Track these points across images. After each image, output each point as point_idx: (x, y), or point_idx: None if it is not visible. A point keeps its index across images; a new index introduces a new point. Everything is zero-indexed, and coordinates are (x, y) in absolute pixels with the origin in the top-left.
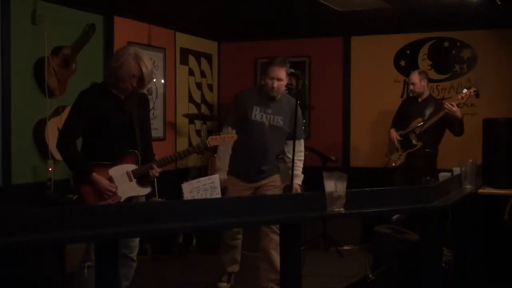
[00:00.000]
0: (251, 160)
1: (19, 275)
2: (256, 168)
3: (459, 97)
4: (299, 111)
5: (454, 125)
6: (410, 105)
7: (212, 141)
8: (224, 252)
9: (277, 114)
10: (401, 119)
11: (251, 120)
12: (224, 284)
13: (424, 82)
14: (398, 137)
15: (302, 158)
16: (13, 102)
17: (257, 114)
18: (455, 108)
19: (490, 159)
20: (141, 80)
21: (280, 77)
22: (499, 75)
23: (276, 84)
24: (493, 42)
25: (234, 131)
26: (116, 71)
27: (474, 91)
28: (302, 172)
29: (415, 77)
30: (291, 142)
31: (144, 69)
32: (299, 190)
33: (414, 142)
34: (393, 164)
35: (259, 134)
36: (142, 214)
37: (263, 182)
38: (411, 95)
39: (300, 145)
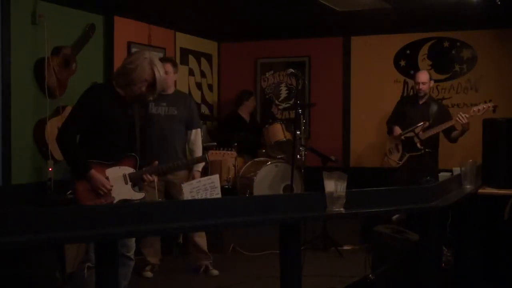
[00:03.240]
0: (154, 153)
1: (19, 275)
2: (160, 159)
3: (475, 109)
4: (194, 101)
5: (456, 134)
6: (411, 107)
7: (212, 156)
8: (145, 245)
9: (172, 106)
10: (400, 120)
11: (148, 114)
12: (149, 273)
13: (431, 84)
14: (403, 137)
15: (200, 145)
16: (13, 102)
17: (153, 108)
18: (466, 121)
19: (490, 159)
20: (153, 86)
21: (167, 70)
22: (499, 75)
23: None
24: (493, 42)
25: (233, 150)
26: (130, 73)
27: (493, 106)
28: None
29: (426, 76)
30: (190, 134)
31: (157, 75)
32: (198, 177)
33: (419, 146)
34: (392, 165)
35: (157, 126)
36: (142, 214)
37: (171, 177)
38: (421, 95)
39: (197, 133)
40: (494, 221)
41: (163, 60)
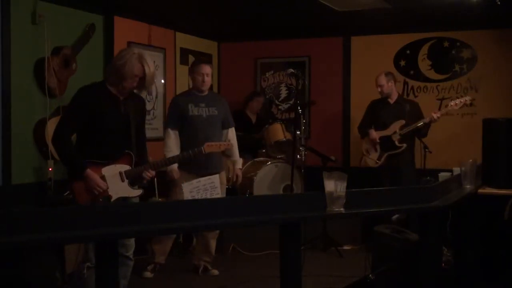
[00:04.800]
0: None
1: (19, 275)
2: (203, 159)
3: (453, 104)
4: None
5: (426, 129)
6: (383, 108)
7: (208, 147)
8: (157, 242)
9: (211, 106)
10: (374, 121)
11: (190, 116)
12: (148, 273)
13: (391, 83)
14: (377, 139)
15: (236, 143)
16: (13, 102)
17: (193, 109)
18: (436, 119)
19: (490, 159)
20: (143, 80)
21: (208, 72)
22: (499, 75)
23: (206, 79)
24: (493, 42)
25: (227, 141)
26: (119, 69)
27: (470, 100)
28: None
29: (381, 79)
30: (227, 133)
31: (146, 69)
32: (240, 174)
33: (397, 144)
34: (371, 165)
35: (200, 127)
36: (142, 214)
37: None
38: (382, 96)
39: (233, 132)
40: (494, 221)
41: (204, 62)
